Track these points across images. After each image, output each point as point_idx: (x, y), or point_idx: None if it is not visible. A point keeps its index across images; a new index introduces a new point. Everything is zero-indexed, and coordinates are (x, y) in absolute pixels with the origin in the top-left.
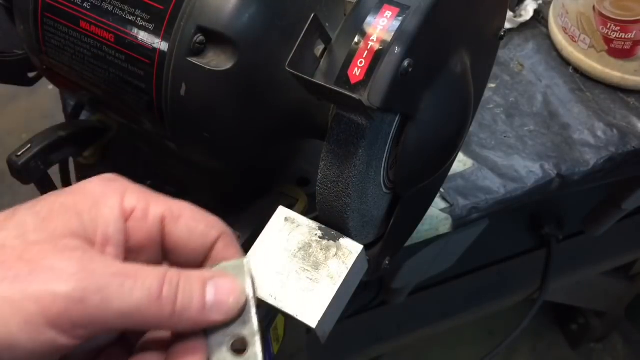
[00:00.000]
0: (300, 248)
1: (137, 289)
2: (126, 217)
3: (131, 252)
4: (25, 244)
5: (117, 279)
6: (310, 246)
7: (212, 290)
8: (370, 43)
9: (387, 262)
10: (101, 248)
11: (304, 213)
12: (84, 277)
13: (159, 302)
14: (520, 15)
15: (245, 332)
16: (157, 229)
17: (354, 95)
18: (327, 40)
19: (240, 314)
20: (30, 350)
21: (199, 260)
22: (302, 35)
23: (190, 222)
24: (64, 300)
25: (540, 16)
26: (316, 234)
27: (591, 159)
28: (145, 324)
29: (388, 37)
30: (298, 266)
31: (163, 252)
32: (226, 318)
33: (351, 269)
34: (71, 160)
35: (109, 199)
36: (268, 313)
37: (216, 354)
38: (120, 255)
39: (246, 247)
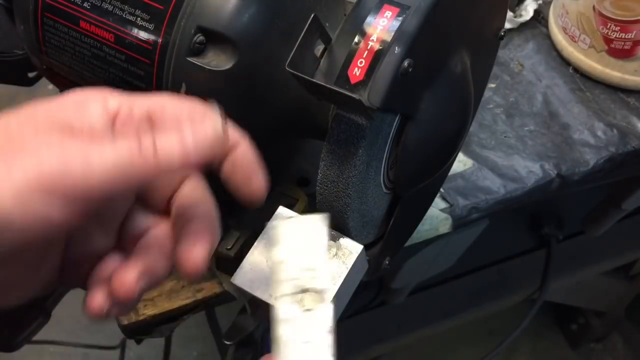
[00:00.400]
0: None
1: (116, 148)
2: (111, 118)
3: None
4: (9, 135)
5: (96, 144)
6: None
7: (188, 128)
8: (370, 43)
9: (387, 262)
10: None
11: (304, 213)
12: (66, 148)
13: (139, 153)
14: (520, 15)
15: (316, 285)
16: (145, 126)
17: (354, 95)
18: (327, 40)
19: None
20: (25, 226)
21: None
22: (302, 35)
23: (175, 112)
24: (49, 172)
25: (540, 16)
26: None
27: (591, 159)
28: (133, 179)
29: (388, 37)
30: None
31: None
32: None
33: (351, 269)
34: None
35: (92, 101)
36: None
37: (282, 305)
38: None
39: (246, 247)
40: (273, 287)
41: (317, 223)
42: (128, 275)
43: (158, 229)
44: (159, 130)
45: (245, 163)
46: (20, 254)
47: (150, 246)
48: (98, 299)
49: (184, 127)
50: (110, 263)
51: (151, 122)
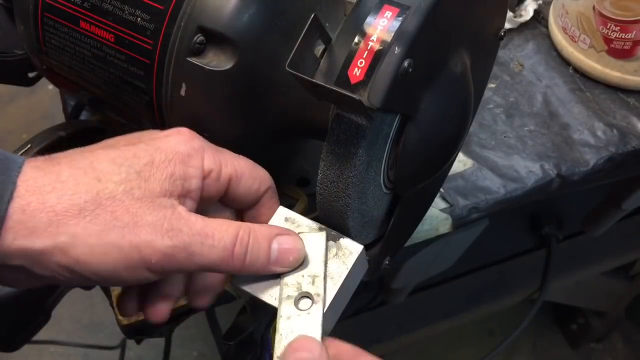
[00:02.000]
0: None
1: (214, 247)
2: (205, 176)
3: (202, 202)
4: (131, 199)
5: (198, 238)
6: None
7: (276, 247)
8: (370, 43)
9: (387, 262)
10: (183, 200)
11: (304, 213)
12: (174, 235)
13: (231, 258)
14: (520, 15)
15: (312, 290)
16: (225, 187)
17: (354, 96)
18: (327, 41)
19: (299, 264)
20: (127, 280)
21: (250, 205)
22: (302, 35)
23: (249, 180)
24: (159, 253)
25: (540, 16)
26: None
27: (591, 159)
28: (219, 272)
29: (388, 38)
30: None
31: (223, 200)
32: (288, 269)
33: (351, 269)
34: None
35: (193, 160)
36: (268, 313)
37: (285, 304)
38: (196, 205)
39: None
40: (280, 289)
41: (318, 238)
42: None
43: None
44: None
45: (274, 202)
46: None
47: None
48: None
49: (272, 241)
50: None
51: (228, 188)
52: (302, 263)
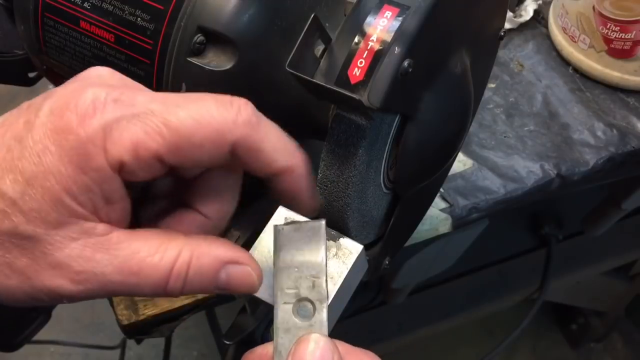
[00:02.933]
0: None
1: (139, 286)
2: (118, 169)
3: (143, 190)
4: (20, 239)
5: (118, 277)
6: None
7: (224, 277)
8: (370, 43)
9: (387, 262)
10: (106, 215)
11: None
12: (86, 280)
13: (164, 292)
14: (520, 15)
15: (313, 296)
16: (157, 166)
17: (354, 96)
18: (327, 41)
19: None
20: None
21: (222, 164)
22: (302, 35)
23: (190, 150)
24: (70, 297)
25: (540, 16)
26: None
27: (591, 159)
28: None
29: (388, 37)
30: None
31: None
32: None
33: (351, 269)
34: None
35: (92, 159)
36: (268, 313)
37: (281, 313)
38: (126, 205)
39: (246, 247)
40: (275, 295)
41: (316, 230)
42: None
43: None
44: None
45: (291, 192)
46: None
47: None
48: None
49: (220, 271)
50: None
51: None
52: (298, 260)
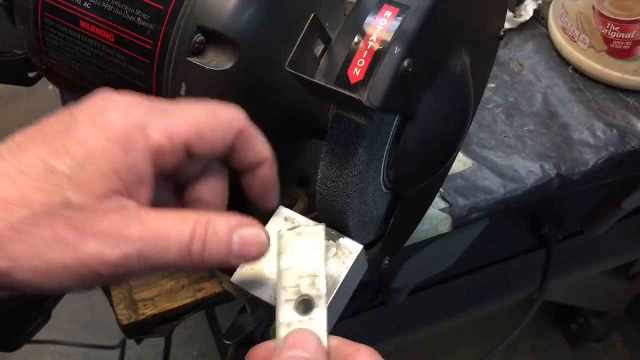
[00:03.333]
0: None
1: (169, 250)
2: (154, 154)
3: (162, 180)
4: (70, 211)
5: (152, 242)
6: None
7: (237, 239)
8: (370, 43)
9: (387, 262)
10: (134, 193)
11: (304, 213)
12: (124, 244)
13: (189, 257)
14: (520, 15)
15: (313, 293)
16: (183, 155)
17: (354, 96)
18: (327, 41)
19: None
20: (82, 291)
21: (226, 155)
22: (302, 35)
23: (212, 133)
24: (109, 265)
25: (540, 16)
26: None
27: (591, 159)
28: (179, 269)
29: (388, 37)
30: None
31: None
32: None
33: (351, 269)
34: None
35: (135, 141)
36: (268, 313)
37: (283, 310)
38: (151, 192)
39: None
40: (277, 293)
41: (316, 235)
42: None
43: None
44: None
45: (266, 182)
46: None
47: None
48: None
49: (233, 234)
50: None
51: (189, 150)
52: (299, 262)
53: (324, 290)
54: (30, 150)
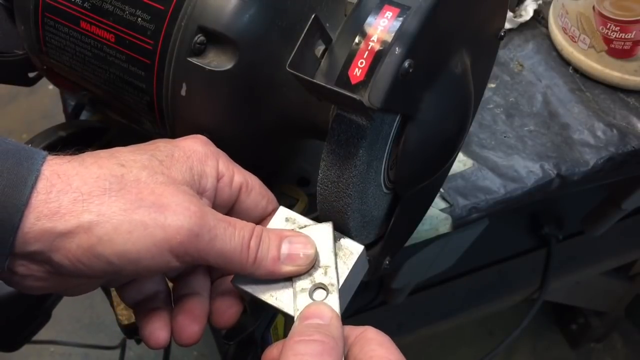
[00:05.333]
0: None
1: (235, 235)
2: (218, 179)
3: (214, 207)
4: (155, 183)
5: (222, 223)
6: None
7: (287, 245)
8: (371, 43)
9: (387, 262)
10: (199, 197)
11: (304, 213)
12: (200, 216)
13: (246, 250)
14: (520, 15)
15: (326, 281)
16: (236, 196)
17: (354, 96)
18: (328, 41)
19: (310, 267)
20: (148, 267)
21: (254, 222)
22: (302, 35)
23: (258, 196)
24: (185, 232)
25: (540, 16)
26: None
27: (591, 159)
28: (231, 266)
29: (388, 38)
30: None
31: (230, 213)
32: (298, 270)
33: (352, 269)
34: None
35: (210, 160)
36: (268, 313)
37: (299, 298)
38: (210, 206)
39: None
40: (294, 283)
41: (324, 230)
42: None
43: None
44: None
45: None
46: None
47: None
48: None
49: (283, 240)
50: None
51: (239, 197)
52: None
53: (335, 277)
54: (122, 148)
